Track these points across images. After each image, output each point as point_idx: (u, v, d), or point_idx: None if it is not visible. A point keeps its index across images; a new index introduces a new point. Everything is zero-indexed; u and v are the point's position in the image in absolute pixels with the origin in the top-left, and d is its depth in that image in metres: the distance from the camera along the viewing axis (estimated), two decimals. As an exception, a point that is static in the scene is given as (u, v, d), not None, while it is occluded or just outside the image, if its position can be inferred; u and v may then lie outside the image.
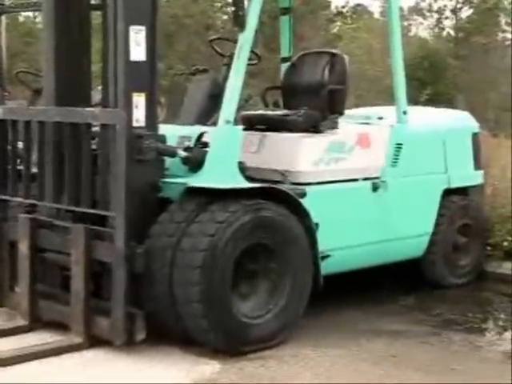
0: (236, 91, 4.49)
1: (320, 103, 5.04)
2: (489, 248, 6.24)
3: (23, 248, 4.51)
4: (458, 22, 30.25)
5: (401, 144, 5.42)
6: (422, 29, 33.22)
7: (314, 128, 5.00)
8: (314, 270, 4.57)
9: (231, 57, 4.73)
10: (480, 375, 4.06)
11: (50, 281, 4.64)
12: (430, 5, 32.25)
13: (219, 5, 21.88)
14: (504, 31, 28.06)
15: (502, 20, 27.99)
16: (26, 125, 4.63)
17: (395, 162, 5.39)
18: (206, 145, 4.48)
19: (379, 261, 5.33)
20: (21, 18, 24.03)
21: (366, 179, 5.20)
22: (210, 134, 4.52)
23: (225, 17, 21.57)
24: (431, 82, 20.69)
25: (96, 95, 4.96)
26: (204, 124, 4.83)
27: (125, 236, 4.07)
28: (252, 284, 4.37)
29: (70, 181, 4.41)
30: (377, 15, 32.06)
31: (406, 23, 31.65)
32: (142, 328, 4.11)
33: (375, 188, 5.21)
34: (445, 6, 30.93)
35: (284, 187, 4.57)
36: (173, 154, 4.43)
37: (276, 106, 5.61)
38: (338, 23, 24.36)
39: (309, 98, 5.16)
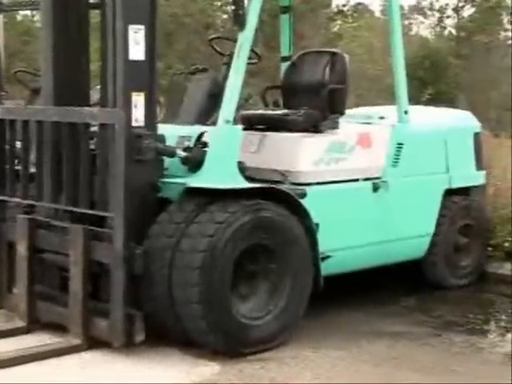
0: (236, 90, 4.47)
1: (320, 103, 5.02)
2: (490, 249, 6.22)
3: (21, 249, 4.49)
4: (459, 21, 30.24)
5: (402, 144, 5.40)
6: (424, 28, 33.31)
7: (314, 128, 4.98)
8: (314, 271, 4.55)
9: (231, 56, 4.71)
10: (481, 377, 4.04)
11: (48, 282, 4.63)
12: (431, 3, 32.32)
13: (219, 3, 21.84)
14: (506, 30, 28.01)
15: (505, 19, 27.94)
16: (24, 124, 4.62)
17: (396, 162, 5.37)
18: (205, 145, 4.47)
19: (380, 262, 5.31)
20: (19, 17, 24.00)
21: (366, 179, 5.18)
22: (210, 133, 4.50)
23: (224, 16, 21.53)
24: (432, 82, 20.62)
25: (95, 94, 4.94)
26: (203, 124, 4.82)
27: (124, 237, 4.05)
28: (252, 285, 4.35)
29: (69, 181, 4.40)
30: (378, 14, 32.06)
31: (406, 22, 31.68)
32: (140, 329, 4.09)
33: (376, 188, 5.18)
34: (446, 4, 30.96)
35: (284, 187, 4.55)
36: (172, 154, 4.41)
37: (276, 105, 5.59)
38: (339, 22, 24.31)
39: (309, 98, 5.15)
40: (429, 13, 32.69)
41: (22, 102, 7.01)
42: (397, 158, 5.37)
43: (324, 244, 4.66)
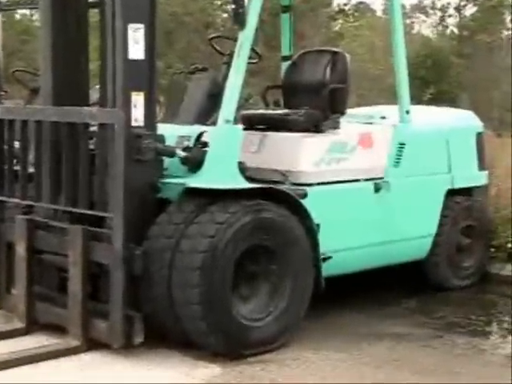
0: (236, 90, 4.45)
1: (321, 102, 5.00)
2: (492, 249, 6.19)
3: (20, 249, 4.47)
4: (461, 20, 30.25)
5: (403, 144, 5.37)
6: (425, 27, 33.27)
7: (315, 128, 4.96)
8: (315, 272, 4.53)
9: (231, 55, 4.69)
10: (482, 379, 4.02)
11: (47, 283, 4.61)
12: (433, 2, 32.33)
13: (219, 2, 21.86)
14: (508, 29, 27.99)
15: (507, 18, 27.92)
16: (22, 124, 4.61)
17: (398, 162, 5.34)
18: (205, 144, 4.44)
19: (382, 262, 5.28)
20: (17, 16, 24.02)
21: (368, 179, 5.15)
22: (210, 133, 4.48)
23: (225, 15, 21.55)
24: (434, 81, 20.60)
25: (94, 94, 4.91)
26: (203, 123, 4.81)
27: (123, 237, 4.03)
28: (252, 286, 4.33)
29: (68, 181, 4.38)
30: (379, 13, 32.02)
31: (408, 21, 31.66)
32: (140, 331, 4.08)
33: (377, 188, 5.16)
34: (448, 3, 30.96)
35: (285, 188, 4.53)
36: (172, 154, 4.39)
37: (277, 105, 5.57)
38: (340, 21, 24.32)
39: (310, 97, 5.13)
40: (431, 12, 32.73)
41: (21, 101, 7.00)
42: (398, 158, 5.35)
43: (325, 245, 4.63)
